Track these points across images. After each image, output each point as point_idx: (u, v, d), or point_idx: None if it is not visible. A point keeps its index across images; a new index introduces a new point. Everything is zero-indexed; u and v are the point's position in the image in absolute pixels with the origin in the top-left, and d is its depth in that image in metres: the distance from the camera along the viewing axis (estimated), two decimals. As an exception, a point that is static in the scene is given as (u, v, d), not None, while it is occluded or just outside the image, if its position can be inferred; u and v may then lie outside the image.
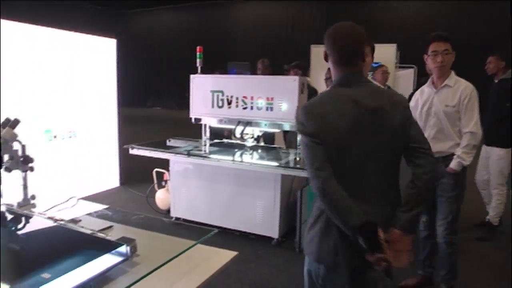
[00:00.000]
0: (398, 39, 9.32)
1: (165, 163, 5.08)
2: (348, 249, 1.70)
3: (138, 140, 5.10)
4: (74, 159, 5.67)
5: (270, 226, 4.29)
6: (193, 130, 5.85)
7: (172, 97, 20.70)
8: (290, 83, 4.33)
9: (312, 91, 5.32)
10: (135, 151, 4.80)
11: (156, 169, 5.40)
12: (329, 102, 1.82)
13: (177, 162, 4.75)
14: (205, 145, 4.98)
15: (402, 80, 8.93)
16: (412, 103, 3.30)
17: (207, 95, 4.72)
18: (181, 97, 18.55)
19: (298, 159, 4.31)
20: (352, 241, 1.64)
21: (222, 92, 4.67)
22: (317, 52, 8.69)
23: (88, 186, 5.75)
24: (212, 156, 4.46)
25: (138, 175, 6.64)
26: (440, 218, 3.21)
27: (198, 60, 4.87)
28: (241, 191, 4.41)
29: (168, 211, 4.93)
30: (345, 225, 1.66)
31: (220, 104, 4.68)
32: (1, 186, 2.06)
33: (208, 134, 5.13)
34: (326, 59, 1.91)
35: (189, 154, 4.52)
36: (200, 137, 5.06)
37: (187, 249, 1.62)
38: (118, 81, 6.45)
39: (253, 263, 3.81)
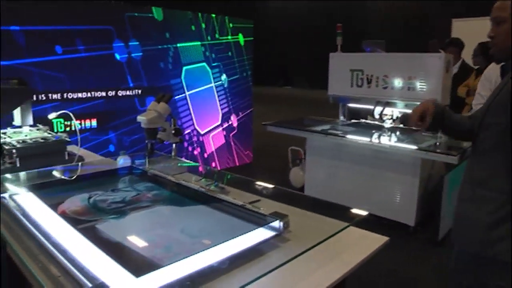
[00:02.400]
0: None
1: (299, 141, 5.09)
2: None
3: (269, 119, 5.16)
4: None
5: (406, 212, 4.07)
6: (322, 110, 5.78)
7: (304, 76, 20.71)
8: (434, 61, 4.05)
9: (467, 70, 4.88)
10: (272, 128, 4.87)
11: (291, 147, 5.44)
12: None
13: (313, 140, 4.71)
14: (342, 125, 4.89)
15: None
16: None
17: (346, 74, 4.61)
18: (313, 76, 18.46)
19: (438, 143, 4.00)
20: None
21: (362, 71, 4.53)
22: (460, 27, 7.65)
23: (222, 161, 6.06)
24: (349, 136, 4.33)
25: (270, 152, 6.77)
26: None
27: (337, 38, 4.76)
28: (377, 174, 4.24)
29: (302, 189, 4.95)
30: None
31: (360, 83, 4.55)
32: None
33: (345, 113, 5.04)
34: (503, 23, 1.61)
35: (326, 133, 4.45)
36: (333, 117, 4.97)
37: (340, 230, 1.57)
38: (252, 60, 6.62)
39: (387, 249, 3.64)
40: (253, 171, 6.26)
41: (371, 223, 1.70)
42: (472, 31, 5.92)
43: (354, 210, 1.80)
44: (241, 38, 6.30)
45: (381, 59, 4.57)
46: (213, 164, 6.03)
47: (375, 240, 1.66)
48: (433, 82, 4.02)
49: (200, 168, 2.96)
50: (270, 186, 2.16)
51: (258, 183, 2.21)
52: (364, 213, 1.76)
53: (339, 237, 1.56)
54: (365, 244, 1.62)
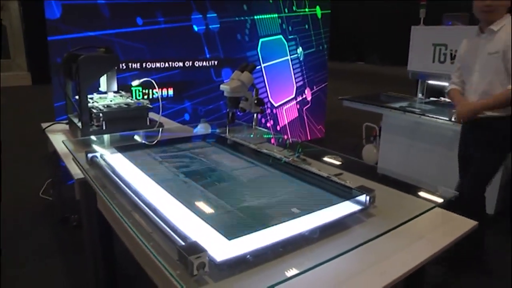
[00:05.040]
0: None
1: (372, 118, 4.95)
2: None
3: (342, 94, 5.04)
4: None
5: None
6: (395, 86, 5.56)
7: (376, 52, 20.06)
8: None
9: None
10: (348, 103, 4.77)
11: (366, 123, 5.32)
12: None
13: (390, 117, 4.56)
14: (420, 102, 4.70)
15: None
16: None
17: (428, 49, 4.39)
18: (385, 52, 17.80)
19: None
20: None
21: (445, 45, 4.29)
22: None
23: (294, 134, 6.06)
24: (428, 115, 4.13)
25: (343, 128, 6.66)
26: None
27: (421, 11, 4.53)
28: (456, 156, 4.02)
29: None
30: None
31: (442, 59, 4.32)
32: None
33: (424, 91, 4.83)
34: None
35: (404, 110, 4.28)
36: (409, 94, 4.77)
37: (427, 210, 1.51)
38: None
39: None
40: (325, 146, 6.14)
41: (446, 207, 1.63)
42: None
43: (438, 191, 1.71)
44: (318, 10, 6.16)
45: (468, 32, 4.27)
46: (285, 137, 6.02)
47: (463, 224, 1.58)
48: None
49: (274, 140, 2.95)
50: (351, 159, 2.12)
51: (339, 156, 2.17)
52: (454, 193, 1.67)
53: (425, 217, 1.50)
54: (452, 227, 1.55)
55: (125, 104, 2.86)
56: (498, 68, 2.63)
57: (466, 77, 2.91)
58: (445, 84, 4.56)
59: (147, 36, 4.50)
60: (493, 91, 2.67)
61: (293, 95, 6.11)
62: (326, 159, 2.13)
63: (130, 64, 4.44)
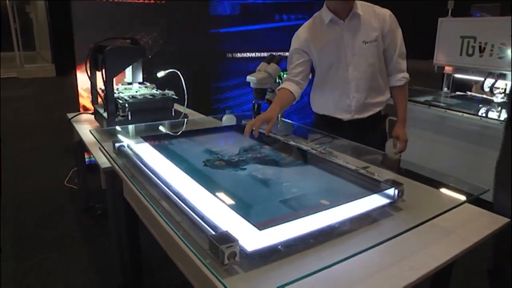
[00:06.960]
0: None
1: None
2: None
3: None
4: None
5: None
6: (414, 80, 5.48)
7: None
8: None
9: None
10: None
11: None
12: None
13: (414, 111, 4.46)
14: (445, 96, 4.62)
15: None
16: None
17: (455, 41, 4.30)
18: (410, 45, 17.54)
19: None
20: None
21: (474, 38, 4.19)
22: None
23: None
24: (454, 109, 4.06)
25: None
26: None
27: (449, 2, 4.43)
28: (483, 152, 3.94)
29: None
30: None
31: (470, 52, 4.22)
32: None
33: (450, 85, 4.74)
34: None
35: (429, 104, 4.21)
36: (433, 88, 4.70)
37: (457, 205, 1.47)
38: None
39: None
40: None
41: (475, 203, 1.59)
42: None
43: (467, 186, 1.67)
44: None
45: (499, 24, 4.14)
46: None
47: (494, 220, 1.54)
48: None
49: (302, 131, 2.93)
50: (376, 152, 2.10)
51: (365, 149, 2.15)
52: (485, 188, 1.63)
53: (454, 212, 1.46)
54: (482, 223, 1.51)
55: (150, 95, 2.87)
56: (379, 56, 2.31)
57: (329, 75, 2.36)
58: (473, 78, 4.50)
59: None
60: (378, 85, 2.41)
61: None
62: (350, 152, 2.11)
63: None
